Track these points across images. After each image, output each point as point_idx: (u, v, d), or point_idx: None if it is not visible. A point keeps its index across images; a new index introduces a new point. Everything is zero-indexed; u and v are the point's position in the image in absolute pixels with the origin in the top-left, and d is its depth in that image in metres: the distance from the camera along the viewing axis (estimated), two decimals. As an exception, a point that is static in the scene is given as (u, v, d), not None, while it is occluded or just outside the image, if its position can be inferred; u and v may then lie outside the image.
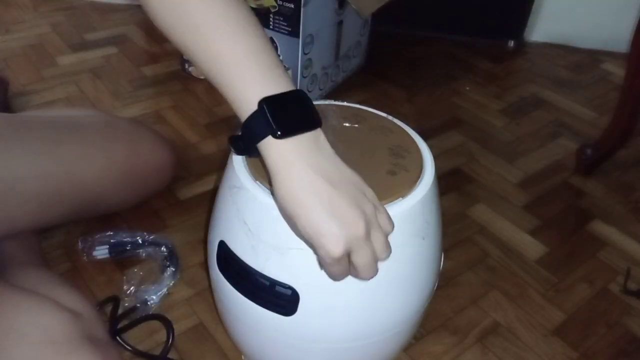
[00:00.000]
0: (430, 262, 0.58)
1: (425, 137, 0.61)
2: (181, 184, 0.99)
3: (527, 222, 0.98)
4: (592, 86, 1.41)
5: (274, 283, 0.53)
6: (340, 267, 0.45)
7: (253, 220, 0.53)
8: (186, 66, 1.30)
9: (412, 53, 1.49)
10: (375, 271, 0.46)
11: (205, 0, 0.47)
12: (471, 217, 0.99)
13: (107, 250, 0.84)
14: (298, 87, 0.48)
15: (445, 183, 1.04)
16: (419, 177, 0.55)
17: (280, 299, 0.53)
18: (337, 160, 0.46)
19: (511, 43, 1.56)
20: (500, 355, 0.76)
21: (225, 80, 0.46)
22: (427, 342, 0.77)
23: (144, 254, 0.85)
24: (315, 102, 0.60)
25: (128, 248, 0.84)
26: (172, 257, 0.84)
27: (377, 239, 0.45)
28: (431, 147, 0.60)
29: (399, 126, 0.62)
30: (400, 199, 0.52)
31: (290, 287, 0.52)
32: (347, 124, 0.61)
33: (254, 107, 0.45)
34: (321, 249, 0.43)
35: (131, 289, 0.79)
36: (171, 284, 0.81)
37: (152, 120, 1.15)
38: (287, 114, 0.45)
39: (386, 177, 0.54)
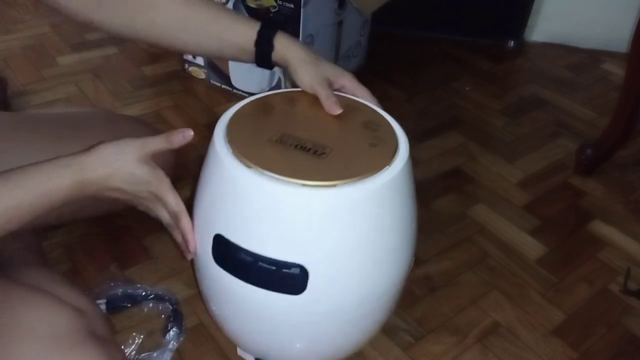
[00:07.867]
0: (413, 225, 0.61)
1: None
2: (181, 184, 0.99)
3: (527, 222, 0.98)
4: (592, 86, 1.41)
5: (281, 265, 0.53)
6: None
7: (251, 205, 0.54)
8: (186, 66, 1.29)
9: (412, 53, 1.49)
10: None
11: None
12: (471, 217, 0.99)
13: (104, 306, 0.78)
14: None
15: (445, 183, 1.04)
16: (396, 148, 0.58)
17: (290, 278, 0.54)
18: None
19: (511, 43, 1.56)
20: (500, 355, 0.76)
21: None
22: (427, 342, 0.77)
23: (145, 309, 0.79)
24: (283, 90, 0.68)
25: (128, 305, 0.79)
26: (176, 315, 0.77)
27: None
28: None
29: (364, 104, 0.66)
30: (387, 167, 0.55)
31: (299, 265, 0.53)
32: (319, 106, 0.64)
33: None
34: None
35: (132, 354, 0.72)
36: (174, 347, 0.73)
37: (152, 120, 1.15)
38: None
39: (370, 149, 0.57)
